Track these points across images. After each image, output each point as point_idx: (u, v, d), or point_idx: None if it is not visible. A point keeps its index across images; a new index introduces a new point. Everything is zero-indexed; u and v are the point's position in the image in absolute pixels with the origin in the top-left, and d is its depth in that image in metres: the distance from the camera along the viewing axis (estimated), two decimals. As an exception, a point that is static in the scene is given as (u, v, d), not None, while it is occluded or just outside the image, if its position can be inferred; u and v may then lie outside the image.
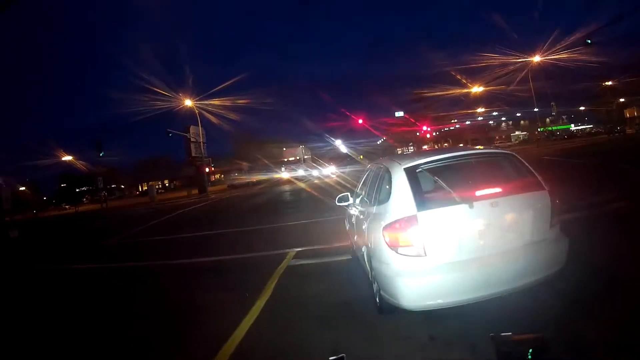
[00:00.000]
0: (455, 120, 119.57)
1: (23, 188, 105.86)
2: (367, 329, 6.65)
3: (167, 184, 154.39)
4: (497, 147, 10.11)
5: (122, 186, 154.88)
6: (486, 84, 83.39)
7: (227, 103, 73.81)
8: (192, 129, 73.29)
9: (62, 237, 32.85)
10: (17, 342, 8.57)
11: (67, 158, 74.85)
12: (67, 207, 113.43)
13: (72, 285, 13.59)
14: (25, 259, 21.80)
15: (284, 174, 78.34)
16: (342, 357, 2.33)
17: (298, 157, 73.36)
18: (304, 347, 6.43)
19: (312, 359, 5.98)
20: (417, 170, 6.70)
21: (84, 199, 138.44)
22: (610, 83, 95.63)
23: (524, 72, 74.46)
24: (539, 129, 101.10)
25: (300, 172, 76.06)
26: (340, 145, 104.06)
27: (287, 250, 13.23)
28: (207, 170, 73.53)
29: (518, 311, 6.11)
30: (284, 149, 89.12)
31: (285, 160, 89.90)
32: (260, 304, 8.58)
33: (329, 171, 76.37)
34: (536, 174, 6.77)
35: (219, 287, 10.61)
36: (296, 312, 7.97)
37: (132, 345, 7.55)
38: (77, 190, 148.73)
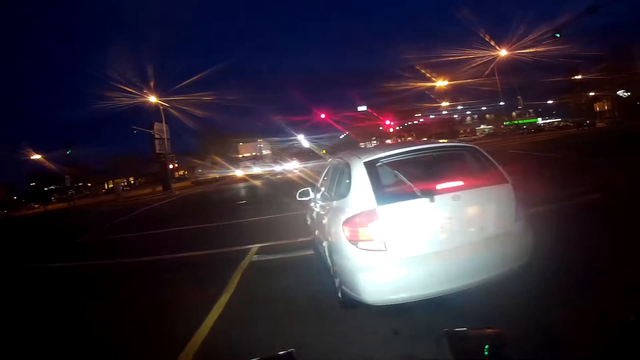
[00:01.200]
0: (420, 115, 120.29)
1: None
2: (331, 323, 6.70)
3: (132, 182, 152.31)
4: (460, 141, 10.19)
5: (89, 184, 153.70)
6: (452, 78, 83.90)
7: (192, 99, 73.68)
8: (156, 125, 72.49)
9: (33, 236, 32.68)
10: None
11: (36, 157, 73.85)
12: (36, 206, 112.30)
13: (42, 283, 13.53)
14: None
15: (238, 172, 76.01)
16: (291, 352, 2.39)
17: (255, 153, 70.95)
18: (268, 341, 6.46)
19: (276, 353, 5.90)
20: (377, 165, 6.72)
21: (52, 198, 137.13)
22: (579, 77, 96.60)
23: (490, 66, 75.02)
24: (504, 123, 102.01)
25: (256, 169, 73.13)
26: (303, 140, 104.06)
27: (250, 246, 13.28)
28: (171, 166, 72.63)
29: (482, 305, 6.19)
30: (240, 144, 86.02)
31: (241, 156, 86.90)
32: (224, 299, 8.63)
33: (292, 166, 76.42)
34: (499, 167, 6.86)
35: (184, 283, 10.64)
36: (260, 307, 8.02)
37: (99, 342, 7.50)
38: (46, 189, 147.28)
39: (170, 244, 16.98)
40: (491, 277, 6.10)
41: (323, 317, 7.02)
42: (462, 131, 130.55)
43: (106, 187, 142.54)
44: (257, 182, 55.53)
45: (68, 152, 64.67)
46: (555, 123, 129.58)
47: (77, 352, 7.32)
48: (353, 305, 6.65)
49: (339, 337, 6.21)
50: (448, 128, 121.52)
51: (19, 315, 10.10)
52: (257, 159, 73.53)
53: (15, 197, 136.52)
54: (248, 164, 73.37)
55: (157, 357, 6.66)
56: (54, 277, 14.52)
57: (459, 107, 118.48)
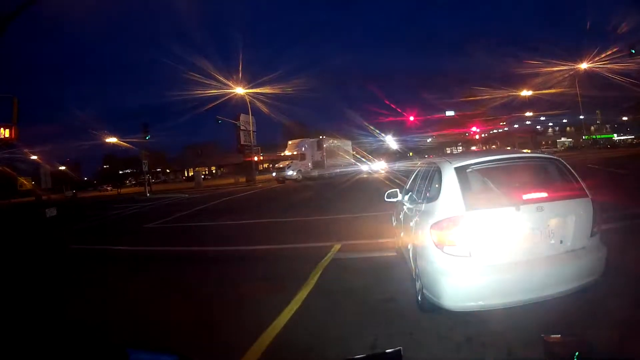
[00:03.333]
0: (504, 123, 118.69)
1: (63, 168, 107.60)
2: (407, 326, 6.73)
3: (213, 171, 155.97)
4: (542, 152, 10.22)
5: (168, 170, 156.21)
6: (535, 88, 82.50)
7: (279, 92, 72.86)
8: (242, 117, 73.29)
9: (102, 218, 33.55)
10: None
11: (112, 140, 75.53)
12: (109, 188, 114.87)
13: (106, 267, 14.09)
14: (59, 239, 22.30)
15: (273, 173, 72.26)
16: (399, 350, 2.33)
17: (296, 152, 68.32)
18: (342, 340, 6.58)
19: (349, 351, 6.08)
20: (467, 170, 6.77)
21: (127, 181, 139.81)
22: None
23: (571, 79, 73.44)
24: (583, 137, 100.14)
25: (290, 172, 66.71)
26: (391, 141, 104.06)
27: (332, 243, 13.39)
28: (255, 159, 73.25)
29: (555, 317, 6.10)
30: (289, 142, 79.71)
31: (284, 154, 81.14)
32: (302, 295, 8.75)
33: (379, 167, 75.36)
34: (581, 181, 6.80)
35: (262, 276, 10.91)
36: (337, 306, 8.11)
37: (170, 329, 7.69)
38: (120, 172, 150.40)
39: (250, 236, 17.60)
40: (567, 290, 6.13)
41: (399, 319, 7.06)
42: (543, 143, 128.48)
43: (186, 174, 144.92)
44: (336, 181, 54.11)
45: (147, 138, 65.41)
46: (629, 140, 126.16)
47: (150, 336, 7.48)
48: (431, 310, 6.70)
49: (412, 340, 6.22)
50: (530, 138, 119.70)
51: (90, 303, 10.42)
52: (297, 159, 69.78)
53: (85, 179, 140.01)
54: (288, 165, 70.67)
55: (227, 349, 6.80)
56: (111, 261, 15.35)
57: (542, 118, 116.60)
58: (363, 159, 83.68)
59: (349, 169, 69.47)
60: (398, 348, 2.31)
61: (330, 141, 71.53)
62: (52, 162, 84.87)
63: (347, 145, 77.29)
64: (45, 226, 26.88)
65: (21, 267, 15.37)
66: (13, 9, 21.50)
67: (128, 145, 73.71)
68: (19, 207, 50.32)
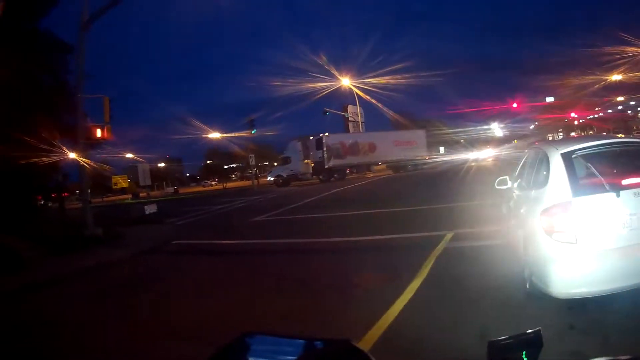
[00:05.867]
0: (599, 108, 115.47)
1: (162, 164, 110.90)
2: (513, 314, 7.03)
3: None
4: (636, 137, 10.25)
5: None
6: (625, 72, 79.59)
7: (386, 83, 69.89)
8: (350, 107, 74.05)
9: (205, 212, 35.08)
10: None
11: (216, 135, 77.03)
12: (213, 183, 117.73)
13: (209, 259, 15.34)
14: (160, 234, 23.82)
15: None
16: (539, 331, 2.27)
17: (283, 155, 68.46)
18: (453, 328, 6.90)
19: (460, 340, 6.36)
20: (573, 156, 6.91)
21: (233, 176, 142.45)
22: None
23: None
24: None
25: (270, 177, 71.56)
26: (497, 129, 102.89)
27: (445, 232, 13.75)
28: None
29: None
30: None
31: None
32: (415, 284, 9.17)
33: (486, 154, 74.24)
34: None
35: (375, 266, 11.51)
36: (448, 295, 8.51)
37: (285, 317, 8.38)
38: (226, 167, 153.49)
39: (361, 227, 18.17)
40: None
41: (507, 307, 7.32)
42: (634, 127, 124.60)
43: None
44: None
45: (253, 132, 66.59)
46: None
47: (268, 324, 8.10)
48: (539, 297, 6.87)
49: (517, 328, 6.31)
50: (623, 123, 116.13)
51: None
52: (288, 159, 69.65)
53: (187, 175, 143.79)
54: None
55: (342, 335, 7.19)
56: (218, 254, 16.75)
57: (631, 103, 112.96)
58: (469, 148, 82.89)
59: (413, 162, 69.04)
60: (538, 328, 2.25)
61: (343, 137, 69.29)
62: (151, 160, 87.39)
63: (412, 135, 73.87)
64: (145, 223, 28.06)
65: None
66: (100, 6, 22.52)
67: (234, 140, 75.09)
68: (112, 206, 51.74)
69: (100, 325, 9.21)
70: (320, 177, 64.77)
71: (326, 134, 66.33)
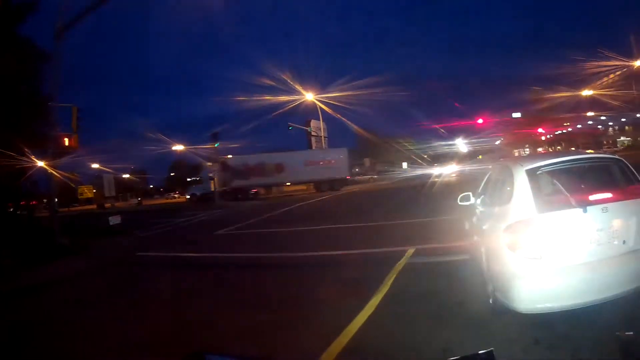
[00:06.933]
0: (568, 124, 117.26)
1: (127, 176, 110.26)
2: (477, 330, 6.93)
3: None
4: (605, 152, 10.39)
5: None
6: (595, 88, 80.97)
7: (347, 100, 71.99)
8: (313, 122, 74.64)
9: (168, 225, 34.76)
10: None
11: (179, 147, 77.02)
12: (175, 195, 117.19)
13: (173, 273, 15.23)
14: (124, 246, 23.83)
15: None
16: (491, 352, 2.34)
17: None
18: (415, 344, 6.83)
19: (422, 355, 6.34)
20: (538, 172, 6.93)
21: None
22: None
23: (629, 76, 71.48)
24: None
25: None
26: (460, 144, 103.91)
27: (406, 247, 13.62)
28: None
29: (620, 317, 6.16)
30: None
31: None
32: (375, 301, 9.02)
33: (450, 170, 74.00)
34: None
35: (335, 281, 11.24)
36: (409, 311, 8.34)
37: (245, 333, 8.22)
38: (188, 179, 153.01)
39: (322, 242, 18.03)
40: (631, 290, 6.19)
41: (470, 323, 7.24)
42: (604, 142, 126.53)
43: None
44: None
45: (216, 145, 67.02)
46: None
47: (225, 339, 8.04)
48: (502, 312, 6.81)
49: (482, 343, 5.92)
50: (592, 138, 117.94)
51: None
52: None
53: (151, 186, 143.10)
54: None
55: (301, 352, 7.19)
56: (179, 266, 16.67)
57: (602, 118, 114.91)
58: (433, 164, 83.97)
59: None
60: (490, 349, 2.35)
61: (248, 158, 70.65)
62: (116, 171, 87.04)
63: (329, 154, 74.15)
64: (110, 234, 28.06)
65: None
66: (72, 16, 22.52)
67: (200, 153, 75.56)
68: (79, 215, 51.58)
69: (57, 337, 9.28)
70: (225, 196, 66.37)
71: (229, 156, 69.90)
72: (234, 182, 65.29)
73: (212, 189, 70.60)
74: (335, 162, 69.11)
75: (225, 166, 68.14)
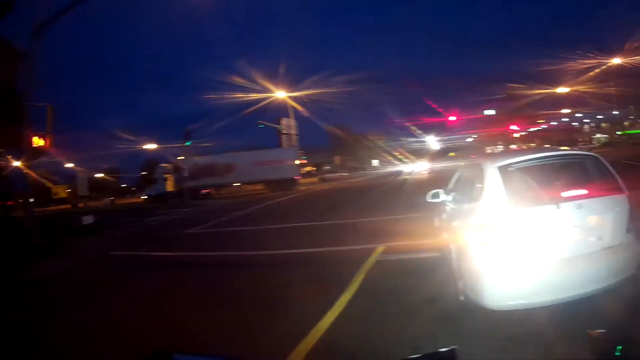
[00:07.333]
0: (543, 121, 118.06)
1: (101, 175, 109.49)
2: (449, 327, 6.90)
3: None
4: (581, 149, 10.40)
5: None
6: (570, 85, 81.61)
7: (320, 96, 73.49)
8: (284, 120, 74.54)
9: (140, 224, 34.79)
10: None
11: (151, 146, 76.46)
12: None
13: (145, 272, 15.16)
14: (97, 245, 23.39)
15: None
16: (454, 349, 2.30)
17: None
18: (385, 341, 6.79)
19: (393, 353, 6.24)
20: (509, 169, 6.91)
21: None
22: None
23: (605, 74, 72.21)
24: (617, 133, 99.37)
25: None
26: (432, 141, 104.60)
27: (376, 245, 13.62)
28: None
29: (595, 313, 6.13)
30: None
31: None
32: (345, 298, 8.98)
33: (421, 167, 74.95)
34: (618, 177, 6.95)
35: (304, 279, 11.19)
36: (380, 308, 8.32)
37: (213, 332, 8.04)
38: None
39: (291, 240, 17.96)
40: (606, 286, 6.26)
41: (442, 320, 7.18)
42: (580, 139, 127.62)
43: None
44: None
45: (188, 144, 66.72)
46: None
47: (194, 339, 7.83)
48: (474, 310, 6.79)
49: (455, 340, 5.79)
50: (567, 135, 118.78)
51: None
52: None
53: (123, 185, 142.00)
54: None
55: (270, 352, 7.08)
56: (150, 266, 16.43)
57: (577, 115, 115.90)
58: (404, 161, 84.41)
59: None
60: (453, 347, 2.30)
61: (199, 160, 70.80)
62: (90, 170, 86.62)
63: (277, 153, 74.56)
64: (83, 234, 27.64)
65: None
66: (50, 15, 22.41)
67: (173, 152, 75.26)
68: (53, 215, 51.12)
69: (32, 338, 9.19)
70: (177, 196, 66.68)
71: (180, 158, 69.60)
72: (186, 183, 65.30)
73: (167, 190, 71.55)
74: (284, 162, 69.53)
75: (177, 167, 69.19)
